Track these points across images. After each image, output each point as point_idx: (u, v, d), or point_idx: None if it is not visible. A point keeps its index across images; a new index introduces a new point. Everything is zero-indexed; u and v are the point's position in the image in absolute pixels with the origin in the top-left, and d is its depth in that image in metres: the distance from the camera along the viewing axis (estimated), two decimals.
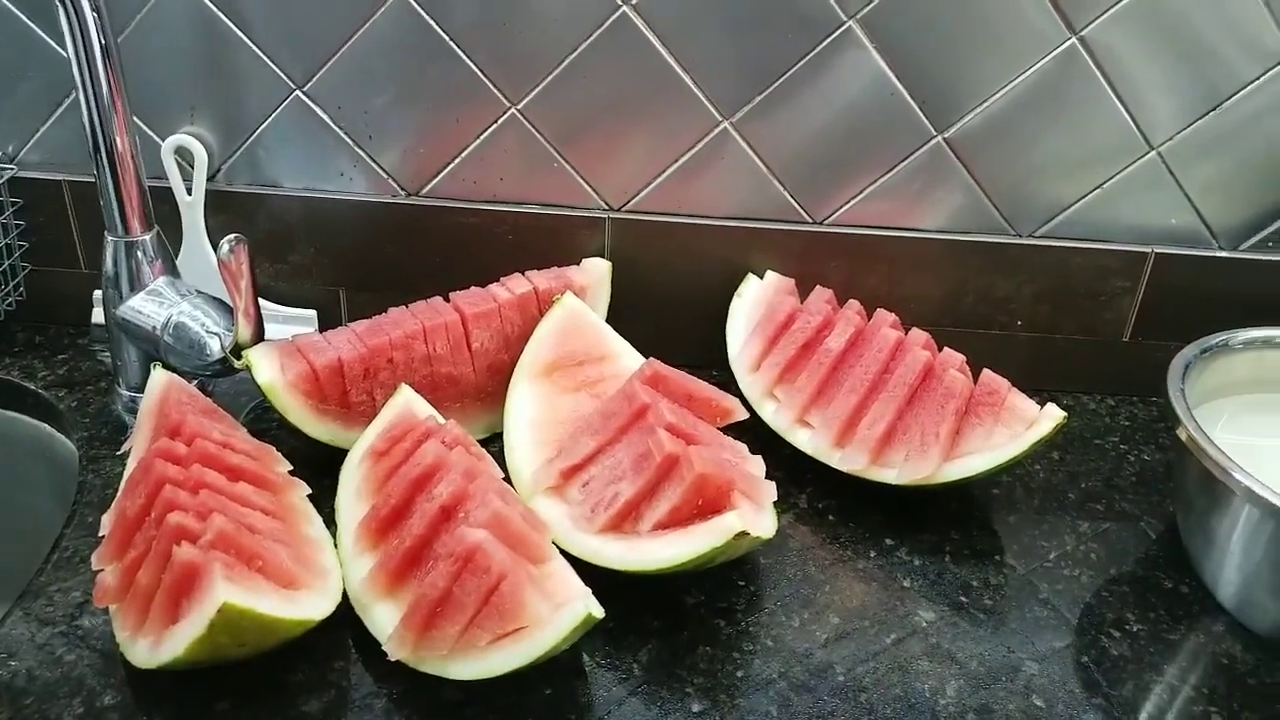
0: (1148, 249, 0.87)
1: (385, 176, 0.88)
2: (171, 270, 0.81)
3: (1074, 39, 0.80)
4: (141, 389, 0.77)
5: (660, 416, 0.70)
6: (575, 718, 0.61)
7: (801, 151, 0.85)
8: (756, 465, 0.72)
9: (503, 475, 0.70)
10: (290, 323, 0.91)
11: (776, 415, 0.82)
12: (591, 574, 0.64)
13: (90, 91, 0.73)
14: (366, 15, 0.81)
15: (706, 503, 0.67)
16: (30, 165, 0.89)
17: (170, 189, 0.86)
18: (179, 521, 0.61)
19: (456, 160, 0.87)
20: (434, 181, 0.88)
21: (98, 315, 0.91)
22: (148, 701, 0.61)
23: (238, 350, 0.75)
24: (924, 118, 0.83)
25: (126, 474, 0.68)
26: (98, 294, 0.91)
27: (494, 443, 0.81)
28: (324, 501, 0.72)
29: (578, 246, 0.88)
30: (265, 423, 0.82)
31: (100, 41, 0.72)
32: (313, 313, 0.92)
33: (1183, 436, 0.69)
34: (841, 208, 0.87)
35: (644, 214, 0.88)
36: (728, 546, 0.64)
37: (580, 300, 0.84)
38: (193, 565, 0.59)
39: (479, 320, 0.81)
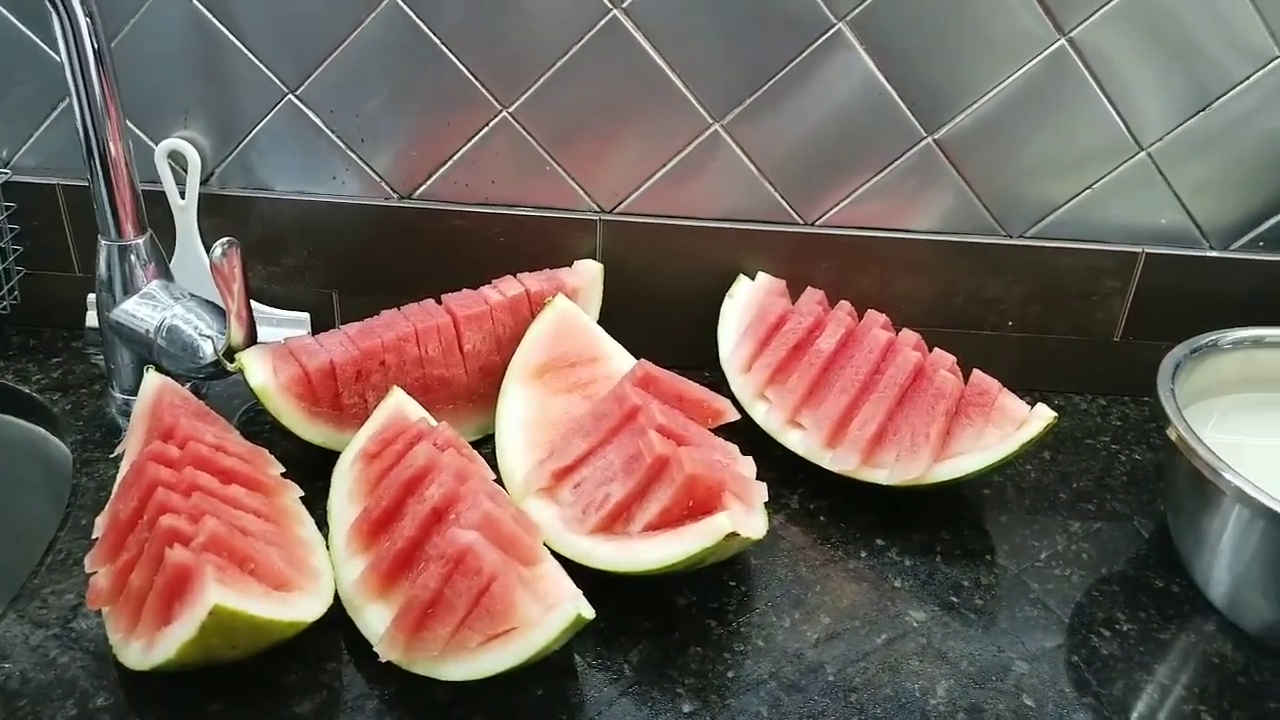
0: (1138, 249, 0.87)
1: (377, 179, 0.88)
2: (165, 274, 0.81)
3: (1063, 40, 0.80)
4: (135, 392, 0.77)
5: (651, 418, 0.70)
6: (566, 718, 0.62)
7: (792, 153, 0.85)
8: (747, 466, 0.72)
9: (494, 477, 0.70)
10: (283, 325, 0.91)
11: (768, 416, 0.82)
12: (583, 575, 0.64)
13: (84, 96, 0.73)
14: (359, 19, 0.81)
15: (697, 504, 0.67)
16: (24, 169, 0.89)
17: (163, 193, 0.87)
18: (171, 524, 0.61)
19: (448, 163, 0.87)
20: (426, 184, 0.88)
21: (92, 319, 0.92)
22: (140, 703, 0.61)
23: (230, 353, 0.76)
24: (914, 119, 0.84)
25: (120, 477, 0.69)
26: (92, 297, 0.91)
27: (486, 444, 0.81)
28: (316, 503, 0.72)
29: (569, 248, 0.89)
30: (258, 425, 0.82)
31: (93, 46, 0.72)
32: (306, 315, 0.92)
33: (1173, 436, 0.69)
34: (832, 209, 0.88)
35: (635, 216, 0.88)
36: (718, 547, 0.64)
37: (572, 302, 0.84)
38: (185, 567, 0.59)
39: (471, 322, 0.81)
